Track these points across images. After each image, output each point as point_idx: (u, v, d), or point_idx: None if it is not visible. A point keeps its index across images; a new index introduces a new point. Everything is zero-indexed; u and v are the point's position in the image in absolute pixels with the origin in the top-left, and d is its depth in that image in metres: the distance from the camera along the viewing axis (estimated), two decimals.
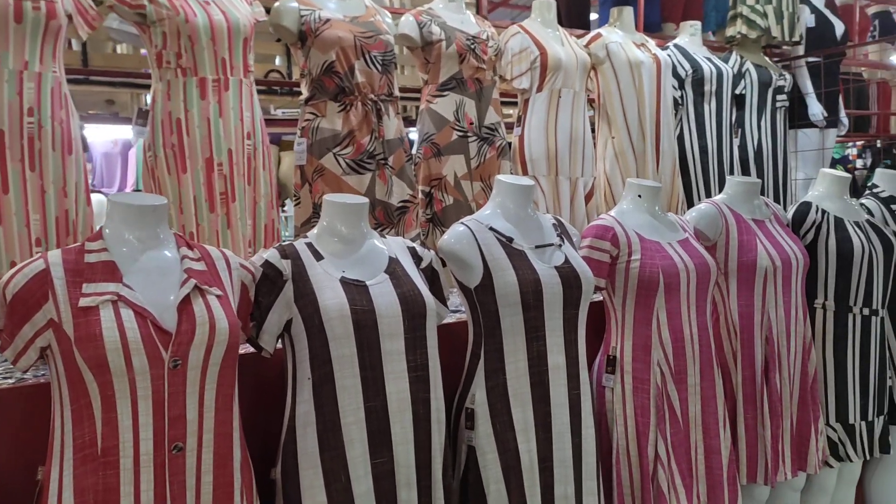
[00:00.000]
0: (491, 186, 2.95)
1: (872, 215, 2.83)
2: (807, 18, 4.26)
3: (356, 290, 1.60)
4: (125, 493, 1.29)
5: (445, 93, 2.87)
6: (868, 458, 2.66)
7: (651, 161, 3.40)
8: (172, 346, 1.33)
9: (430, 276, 1.82)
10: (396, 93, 2.72)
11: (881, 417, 2.70)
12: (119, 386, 1.29)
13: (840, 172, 2.75)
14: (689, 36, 3.81)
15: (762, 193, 3.88)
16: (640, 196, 2.24)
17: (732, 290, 2.39)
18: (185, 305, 1.37)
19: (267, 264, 1.63)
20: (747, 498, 2.46)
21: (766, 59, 4.15)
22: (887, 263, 2.66)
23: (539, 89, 3.12)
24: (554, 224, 2.02)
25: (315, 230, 1.76)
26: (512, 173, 3.09)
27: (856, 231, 2.60)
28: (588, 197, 3.24)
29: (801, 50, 4.30)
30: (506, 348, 1.83)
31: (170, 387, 1.32)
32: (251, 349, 1.71)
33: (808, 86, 4.25)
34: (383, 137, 2.61)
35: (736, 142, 3.98)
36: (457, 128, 2.87)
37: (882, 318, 2.67)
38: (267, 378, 1.77)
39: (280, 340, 1.67)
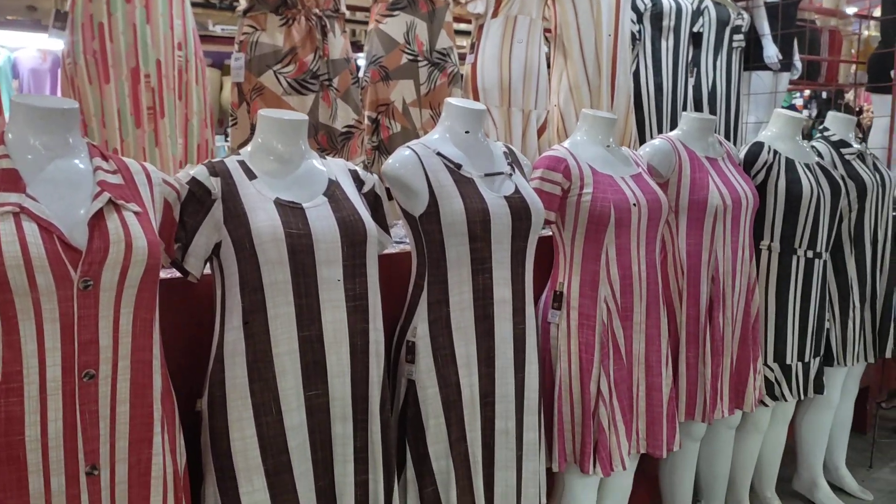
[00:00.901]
0: (440, 114, 2.82)
1: (822, 158, 2.82)
2: None
3: (291, 213, 1.49)
4: (31, 423, 1.18)
5: (396, 12, 2.71)
6: (802, 398, 2.71)
7: (606, 96, 3.31)
8: (83, 266, 1.21)
9: (373, 202, 1.72)
10: (343, 9, 2.55)
11: (817, 359, 2.74)
12: (21, 306, 1.17)
13: (794, 113, 2.72)
14: None
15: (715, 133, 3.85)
16: (592, 128, 2.16)
17: (682, 229, 2.35)
18: (97, 221, 1.24)
19: (194, 182, 1.50)
20: (684, 434, 2.48)
21: None
22: (833, 207, 2.65)
23: (494, 14, 2.99)
24: (505, 152, 1.93)
25: (249, 147, 1.63)
26: None
27: (806, 173, 2.58)
28: (541, 130, 3.15)
29: None
30: (450, 280, 1.76)
31: (80, 309, 1.20)
32: (178, 273, 1.59)
33: (764, 27, 4.19)
34: (328, 56, 2.45)
35: (691, 81, 3.92)
36: (407, 51, 2.72)
37: (825, 262, 2.68)
38: (194, 305, 1.66)
39: (208, 265, 1.56)
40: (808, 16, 6.39)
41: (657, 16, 3.55)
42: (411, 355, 1.77)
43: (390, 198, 1.81)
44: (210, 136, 2.30)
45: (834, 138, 2.92)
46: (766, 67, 4.25)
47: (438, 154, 1.79)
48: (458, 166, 1.78)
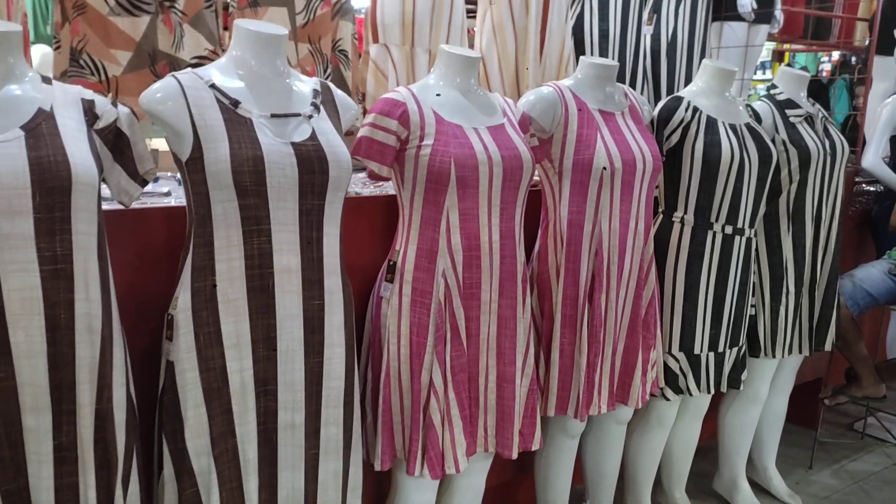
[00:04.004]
0: (321, 51, 2.47)
1: (759, 120, 2.44)
2: None
3: None
4: None
5: None
6: (712, 392, 2.38)
7: (534, 39, 2.93)
8: None
9: (114, 141, 1.39)
10: None
11: (734, 349, 2.40)
12: None
13: (724, 65, 2.33)
14: None
15: (674, 89, 3.45)
16: (449, 68, 1.80)
17: (565, 194, 2.00)
18: None
19: None
20: (559, 430, 2.17)
21: None
22: (762, 177, 2.28)
23: None
24: (316, 89, 1.58)
25: None
26: (354, 37, 2.61)
27: (728, 135, 2.21)
28: None
29: None
30: (216, 242, 1.44)
31: None
32: None
33: None
34: None
35: (649, 29, 3.50)
36: None
37: (749, 239, 2.32)
38: None
39: None
40: None
41: None
42: (170, 331, 1.46)
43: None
44: None
45: (780, 97, 2.53)
46: (739, 18, 3.80)
47: (212, 87, 1.45)
48: (235, 103, 1.44)
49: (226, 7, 2.37)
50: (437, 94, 1.77)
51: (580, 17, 3.20)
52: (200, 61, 2.22)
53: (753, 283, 2.50)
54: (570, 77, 2.08)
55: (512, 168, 1.76)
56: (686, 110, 2.21)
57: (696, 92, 2.29)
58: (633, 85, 3.34)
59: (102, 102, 1.38)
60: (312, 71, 2.45)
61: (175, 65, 2.16)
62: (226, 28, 2.48)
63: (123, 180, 1.41)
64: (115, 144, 1.39)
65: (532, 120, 1.96)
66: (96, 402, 1.31)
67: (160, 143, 1.92)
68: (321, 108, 1.56)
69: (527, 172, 1.80)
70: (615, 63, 2.07)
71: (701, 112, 2.21)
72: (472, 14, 3.24)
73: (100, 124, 1.36)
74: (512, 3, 2.87)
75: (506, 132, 1.80)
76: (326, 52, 2.47)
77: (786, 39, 6.05)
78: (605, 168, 1.94)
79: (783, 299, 2.54)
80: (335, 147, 1.51)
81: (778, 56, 7.45)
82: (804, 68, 7.42)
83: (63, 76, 2.09)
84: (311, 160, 1.46)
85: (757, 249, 2.50)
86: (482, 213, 1.74)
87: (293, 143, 1.46)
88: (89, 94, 1.38)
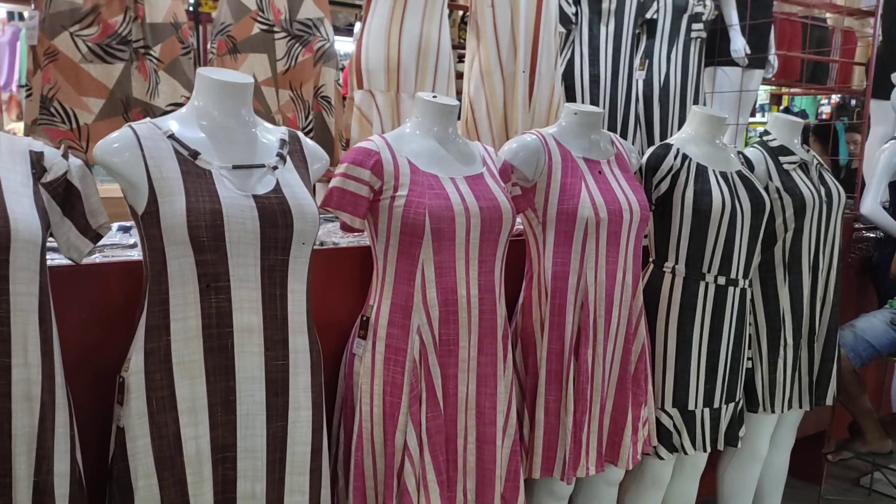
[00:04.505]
0: (303, 97, 2.42)
1: (751, 167, 2.37)
2: None
3: None
4: None
5: None
6: (708, 450, 2.26)
7: (523, 85, 2.88)
8: None
9: (63, 194, 1.32)
10: None
11: (731, 405, 2.30)
12: None
13: (714, 111, 2.27)
14: None
15: (667, 134, 3.40)
16: (425, 115, 1.74)
17: (549, 244, 1.92)
18: None
19: None
20: (546, 494, 2.06)
21: None
22: (755, 226, 2.20)
23: None
24: (283, 139, 1.52)
25: None
26: (338, 83, 2.56)
27: (719, 183, 2.14)
28: None
29: None
30: (172, 301, 1.36)
31: None
32: None
33: (732, 16, 3.71)
34: (143, 19, 2.06)
35: (642, 74, 3.47)
36: (260, 19, 2.32)
37: (743, 290, 2.23)
38: None
39: None
40: (819, 13, 5.85)
41: None
42: (121, 395, 1.37)
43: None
44: None
45: (773, 143, 2.47)
46: (733, 63, 3.77)
47: (171, 137, 1.38)
48: (195, 154, 1.38)
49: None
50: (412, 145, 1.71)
51: (570, 63, 3.17)
52: (177, 108, 2.17)
53: (750, 336, 2.41)
54: (555, 124, 2.02)
55: (490, 219, 1.69)
56: (675, 158, 2.14)
57: (686, 139, 2.22)
58: (625, 131, 3.30)
59: (52, 155, 1.31)
60: (294, 118, 2.40)
61: (150, 112, 2.11)
62: None
63: (73, 236, 1.34)
64: (65, 198, 1.32)
65: (514, 168, 1.90)
66: (34, 474, 1.22)
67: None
68: (287, 158, 1.49)
69: (506, 224, 1.72)
70: (600, 110, 2.01)
71: (690, 160, 2.15)
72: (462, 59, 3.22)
73: (48, 177, 1.29)
74: (500, 47, 2.84)
75: (485, 182, 1.73)
76: (308, 99, 2.42)
77: (783, 83, 6.04)
78: (589, 218, 1.86)
79: (781, 352, 2.44)
80: (300, 199, 1.44)
81: (776, 99, 7.44)
82: (802, 111, 7.41)
83: (33, 124, 2.04)
84: (273, 213, 1.39)
85: (753, 300, 2.42)
86: (459, 267, 1.67)
87: (255, 196, 1.39)
88: (38, 145, 1.32)
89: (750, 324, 2.40)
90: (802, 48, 5.01)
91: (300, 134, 1.57)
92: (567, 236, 1.90)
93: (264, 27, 2.32)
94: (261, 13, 2.31)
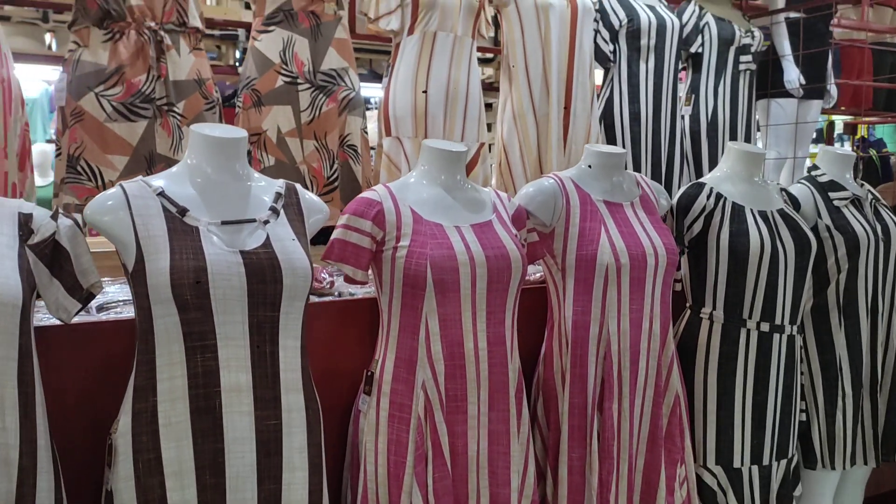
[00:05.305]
0: (327, 147, 2.42)
1: (796, 206, 2.22)
2: None
3: None
4: None
5: (271, 28, 2.34)
6: None
7: (557, 125, 2.82)
8: None
9: (52, 255, 1.32)
10: (197, 23, 2.20)
11: (783, 461, 2.12)
12: None
13: (751, 147, 2.14)
14: None
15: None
16: (431, 163, 1.70)
17: (569, 292, 1.83)
18: None
19: None
20: None
21: (738, 12, 3.48)
22: (800, 267, 2.05)
23: (410, 32, 2.57)
24: (279, 192, 1.50)
25: None
26: (364, 131, 2.56)
27: (758, 223, 2.00)
28: (468, 168, 2.68)
29: (779, 3, 3.60)
30: (158, 360, 1.33)
31: None
32: None
33: (784, 46, 3.55)
34: (166, 77, 2.10)
35: (688, 110, 3.35)
36: (283, 71, 2.34)
37: (791, 337, 2.07)
38: None
39: None
40: (892, 38, 5.55)
41: (633, 34, 3.03)
42: (110, 457, 1.35)
43: None
44: (13, 170, 1.97)
45: (822, 178, 2.31)
46: (788, 94, 3.60)
47: (161, 195, 1.38)
48: (183, 211, 1.37)
49: (229, 101, 2.36)
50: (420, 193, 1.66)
51: (609, 101, 3.08)
52: None
53: (803, 386, 2.23)
54: (574, 167, 1.94)
55: (498, 269, 1.61)
56: (708, 197, 2.02)
57: (721, 177, 2.10)
58: (670, 169, 3.17)
59: (41, 216, 1.32)
60: (319, 167, 2.40)
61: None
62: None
63: (61, 296, 1.34)
64: (53, 259, 1.32)
65: (530, 214, 1.82)
66: None
67: None
68: (281, 212, 1.46)
69: (516, 272, 1.64)
70: (622, 151, 1.92)
71: (725, 199, 2.03)
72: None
73: (34, 239, 1.30)
74: (532, 89, 2.79)
75: (493, 229, 1.67)
76: (333, 148, 2.42)
77: (853, 112, 5.75)
78: (609, 265, 1.76)
79: (840, 403, 2.25)
80: (290, 254, 1.40)
81: (851, 129, 7.12)
82: (880, 140, 7.06)
83: (62, 183, 2.09)
84: (261, 269, 1.36)
85: (805, 347, 2.24)
86: (466, 319, 1.59)
87: (243, 252, 1.36)
88: (29, 207, 1.33)
89: (802, 373, 2.22)
90: (875, 74, 4.75)
91: (298, 186, 1.54)
92: (587, 283, 1.80)
93: (287, 79, 2.34)
94: (284, 66, 2.33)
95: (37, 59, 3.32)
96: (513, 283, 1.65)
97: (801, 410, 2.23)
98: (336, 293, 2.00)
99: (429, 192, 1.67)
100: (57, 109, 2.12)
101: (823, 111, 3.91)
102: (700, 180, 2.10)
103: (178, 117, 2.14)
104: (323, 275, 1.99)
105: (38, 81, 4.27)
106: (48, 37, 3.49)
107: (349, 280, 1.63)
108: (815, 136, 7.54)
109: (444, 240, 1.58)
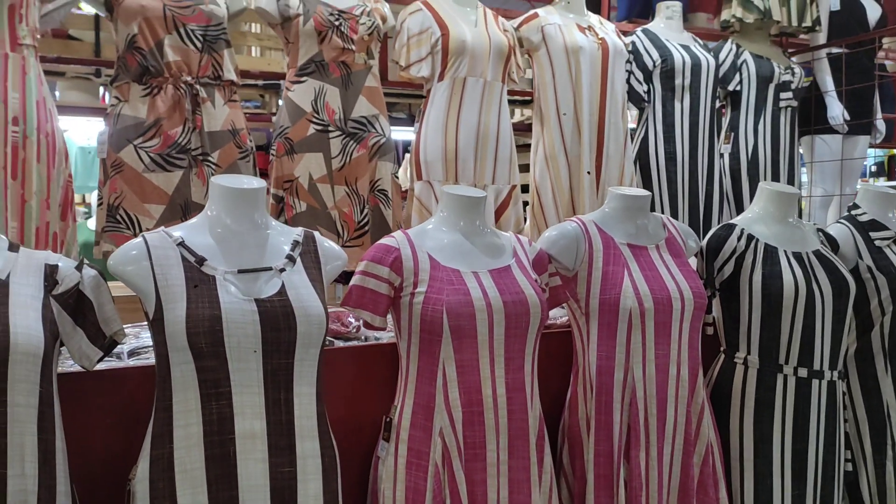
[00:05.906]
0: (358, 192, 2.46)
1: (835, 246, 2.15)
2: (830, 0, 3.50)
3: None
4: None
5: (304, 78, 2.41)
6: None
7: (588, 166, 2.81)
8: None
9: (75, 305, 1.37)
10: (231, 76, 2.28)
11: None
12: None
13: (784, 187, 2.09)
14: (665, 20, 3.17)
15: None
16: (451, 209, 1.71)
17: (593, 337, 1.81)
18: None
19: None
20: None
21: (777, 49, 3.43)
22: (839, 310, 1.98)
23: (440, 78, 2.61)
24: (297, 240, 1.53)
25: None
26: (396, 177, 2.59)
27: (792, 265, 1.95)
28: (500, 210, 2.69)
29: (821, 38, 3.54)
30: (175, 407, 1.36)
31: None
32: None
33: (827, 82, 3.48)
34: (201, 128, 2.18)
35: (727, 148, 3.30)
36: (315, 120, 2.40)
37: (832, 383, 1.99)
38: None
39: None
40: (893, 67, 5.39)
41: (667, 73, 3.02)
42: (128, 503, 1.37)
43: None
44: (55, 219, 2.06)
45: (863, 218, 2.24)
46: (832, 130, 3.52)
47: (181, 244, 1.42)
48: (201, 261, 1.40)
49: (264, 148, 2.43)
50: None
51: (644, 141, 3.06)
52: None
53: (849, 434, 2.14)
54: (598, 210, 1.93)
55: (516, 314, 1.60)
56: (739, 239, 1.98)
57: (752, 218, 2.06)
58: (709, 208, 3.11)
59: (66, 267, 1.37)
60: (349, 212, 2.44)
61: None
62: (263, 172, 2.54)
63: (84, 344, 1.38)
64: (76, 308, 1.37)
65: (552, 258, 1.81)
66: None
67: None
68: (298, 260, 1.49)
69: (535, 318, 1.63)
70: (646, 193, 1.90)
71: (757, 240, 1.98)
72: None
73: (58, 289, 1.35)
74: (564, 133, 2.79)
75: (511, 275, 1.66)
76: (363, 193, 2.46)
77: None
78: (633, 309, 1.74)
79: (889, 451, 2.14)
80: (305, 301, 1.42)
81: None
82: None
83: (102, 231, 2.18)
84: (276, 317, 1.38)
85: (850, 394, 2.16)
86: (484, 365, 1.58)
87: (258, 300, 1.39)
88: (55, 258, 1.39)
89: (847, 420, 2.13)
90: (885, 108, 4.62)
91: (316, 234, 1.57)
92: (611, 328, 1.78)
93: (319, 127, 2.40)
94: (315, 115, 2.39)
95: (92, 112, 3.48)
96: (531, 328, 1.63)
97: (847, 460, 2.13)
98: (363, 337, 2.01)
99: (447, 237, 1.68)
100: (100, 161, 2.21)
101: (874, 146, 3.80)
102: (731, 221, 2.06)
103: (213, 166, 2.21)
104: (350, 319, 2.01)
105: (93, 132, 4.48)
106: (102, 89, 3.66)
107: (368, 326, 1.64)
108: (874, 170, 7.35)
109: (460, 285, 1.59)
